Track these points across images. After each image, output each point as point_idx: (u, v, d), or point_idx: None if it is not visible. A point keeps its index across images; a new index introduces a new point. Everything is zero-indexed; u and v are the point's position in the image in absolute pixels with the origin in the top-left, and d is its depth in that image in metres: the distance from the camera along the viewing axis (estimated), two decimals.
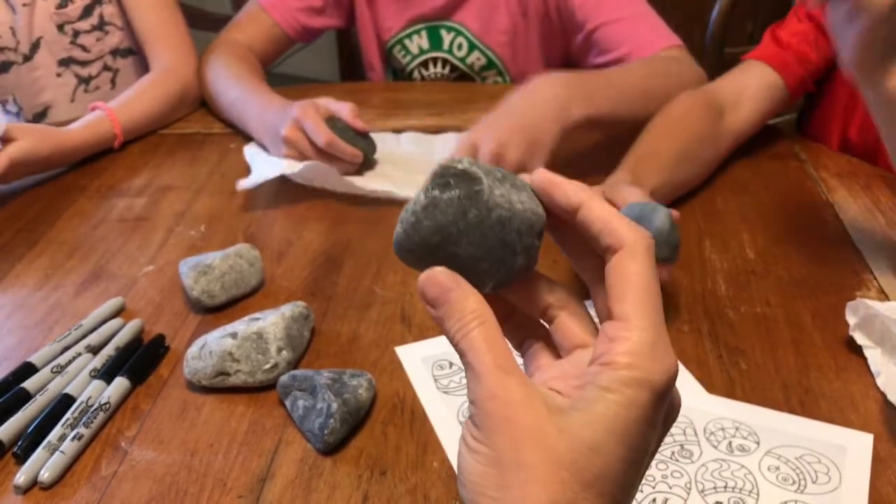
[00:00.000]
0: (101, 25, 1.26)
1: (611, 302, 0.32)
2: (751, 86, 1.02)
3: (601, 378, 0.30)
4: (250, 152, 1.05)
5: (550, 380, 0.33)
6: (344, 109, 0.99)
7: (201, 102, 1.23)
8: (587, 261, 0.35)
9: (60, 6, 1.22)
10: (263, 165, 0.99)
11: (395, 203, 0.94)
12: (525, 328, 0.38)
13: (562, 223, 0.35)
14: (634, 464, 0.31)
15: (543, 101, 0.91)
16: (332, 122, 0.97)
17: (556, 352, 0.37)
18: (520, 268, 0.34)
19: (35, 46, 1.23)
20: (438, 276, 0.33)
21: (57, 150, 1.02)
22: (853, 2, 0.67)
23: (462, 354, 0.32)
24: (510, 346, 0.34)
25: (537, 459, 0.30)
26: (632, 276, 0.32)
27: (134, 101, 1.13)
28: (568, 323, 0.36)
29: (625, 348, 0.31)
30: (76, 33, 1.24)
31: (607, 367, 0.31)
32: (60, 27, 1.23)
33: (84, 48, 1.26)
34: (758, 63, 1.03)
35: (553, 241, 0.37)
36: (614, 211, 0.33)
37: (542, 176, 0.35)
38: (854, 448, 0.60)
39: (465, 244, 0.33)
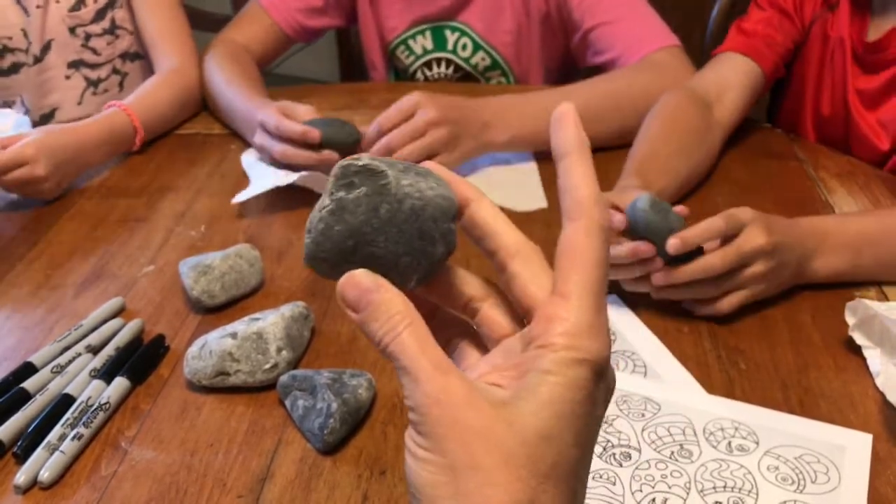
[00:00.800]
0: (112, 29, 1.27)
1: (556, 275, 0.31)
2: (729, 76, 1.04)
3: (541, 362, 0.30)
4: (247, 161, 1.05)
5: (484, 375, 0.32)
6: (305, 111, 0.98)
7: (203, 104, 1.23)
8: (496, 242, 0.34)
9: (73, 9, 1.22)
10: (258, 177, 0.99)
11: None
12: (449, 327, 0.37)
13: (466, 208, 0.34)
14: (584, 447, 0.31)
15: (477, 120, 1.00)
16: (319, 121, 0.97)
17: (483, 347, 0.36)
18: (441, 256, 0.33)
19: (46, 48, 1.23)
20: (357, 278, 0.32)
21: (79, 144, 1.01)
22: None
23: (393, 358, 0.31)
24: None
25: (492, 461, 0.28)
26: (584, 253, 0.31)
27: (144, 99, 1.13)
28: (491, 313, 0.35)
29: (563, 329, 0.30)
30: (88, 36, 1.25)
31: (545, 349, 0.30)
32: (72, 30, 1.24)
33: (95, 51, 1.27)
34: (730, 54, 1.06)
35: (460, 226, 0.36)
36: (592, 180, 0.32)
37: (563, 108, 0.33)
38: (853, 448, 0.60)
39: (382, 242, 0.32)
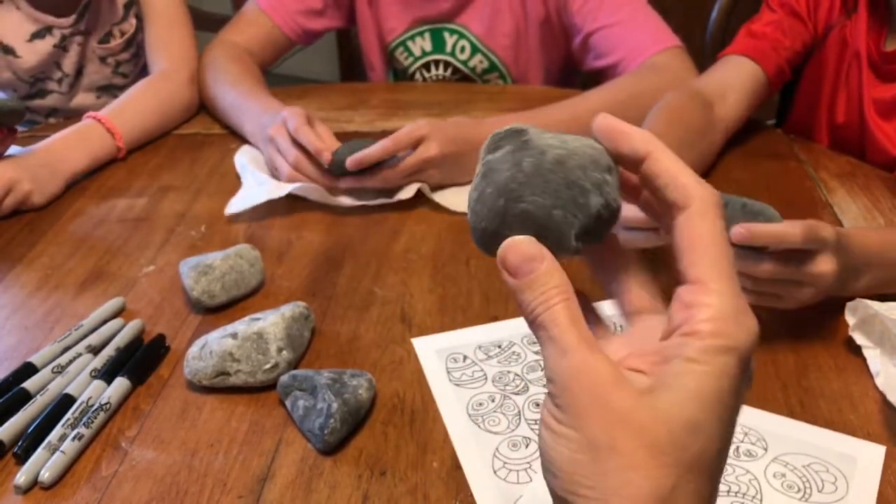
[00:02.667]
0: (137, 52, 1.32)
1: (683, 265, 0.31)
2: (732, 77, 1.04)
3: (687, 349, 0.29)
4: (240, 162, 1.03)
5: (624, 360, 0.32)
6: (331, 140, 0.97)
7: (201, 106, 1.23)
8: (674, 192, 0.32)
9: (102, 41, 1.26)
10: (251, 185, 0.97)
11: (393, 205, 0.94)
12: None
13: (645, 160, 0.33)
14: (726, 437, 0.30)
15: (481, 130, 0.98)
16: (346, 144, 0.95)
17: (600, 321, 0.36)
18: (597, 209, 0.32)
19: (78, 76, 1.28)
20: (521, 244, 0.31)
21: (48, 150, 1.01)
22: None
23: (543, 328, 0.30)
24: None
25: (633, 444, 0.28)
26: (704, 237, 0.30)
27: (123, 104, 1.12)
28: (631, 284, 0.34)
29: (707, 315, 0.29)
30: (118, 63, 1.30)
31: (691, 336, 0.29)
32: (103, 59, 1.28)
33: (124, 75, 1.32)
34: (734, 56, 1.06)
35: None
36: (683, 164, 0.32)
37: (607, 121, 0.33)
38: (864, 458, 0.60)
39: (529, 196, 0.31)
